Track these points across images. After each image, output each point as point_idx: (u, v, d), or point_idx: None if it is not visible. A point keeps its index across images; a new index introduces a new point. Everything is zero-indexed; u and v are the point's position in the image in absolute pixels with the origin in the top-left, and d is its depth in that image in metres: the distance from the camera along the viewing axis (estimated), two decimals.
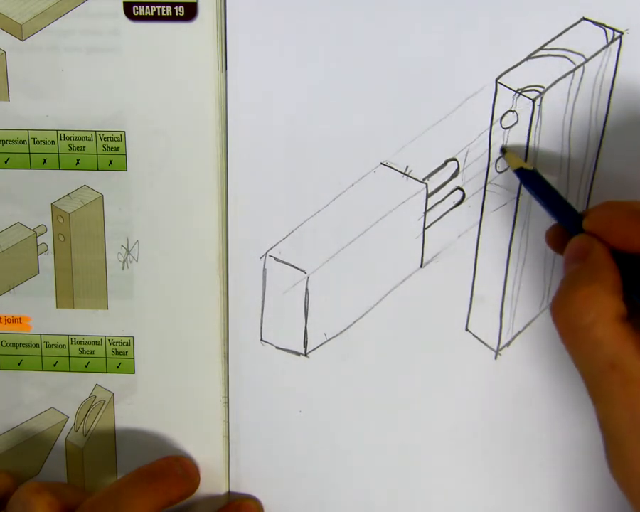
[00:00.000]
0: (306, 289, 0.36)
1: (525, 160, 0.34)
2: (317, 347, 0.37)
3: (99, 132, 0.35)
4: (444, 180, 0.35)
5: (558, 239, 0.32)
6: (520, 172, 0.33)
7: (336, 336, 0.37)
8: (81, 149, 0.35)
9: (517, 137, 0.34)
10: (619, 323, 0.26)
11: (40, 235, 0.37)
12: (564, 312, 0.27)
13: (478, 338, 0.36)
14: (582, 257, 0.28)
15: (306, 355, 0.37)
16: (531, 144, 0.34)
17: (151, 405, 0.38)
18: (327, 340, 0.37)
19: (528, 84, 0.33)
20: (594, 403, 0.27)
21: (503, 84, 0.33)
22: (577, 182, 0.34)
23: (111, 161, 0.35)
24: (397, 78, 0.33)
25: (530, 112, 0.33)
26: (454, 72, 0.33)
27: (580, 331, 0.26)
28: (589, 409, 0.27)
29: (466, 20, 0.33)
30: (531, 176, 0.33)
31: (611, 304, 0.26)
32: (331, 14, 0.33)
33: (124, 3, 0.33)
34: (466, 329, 0.36)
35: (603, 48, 0.33)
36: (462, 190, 0.35)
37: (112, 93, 0.35)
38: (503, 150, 0.34)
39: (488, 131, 0.34)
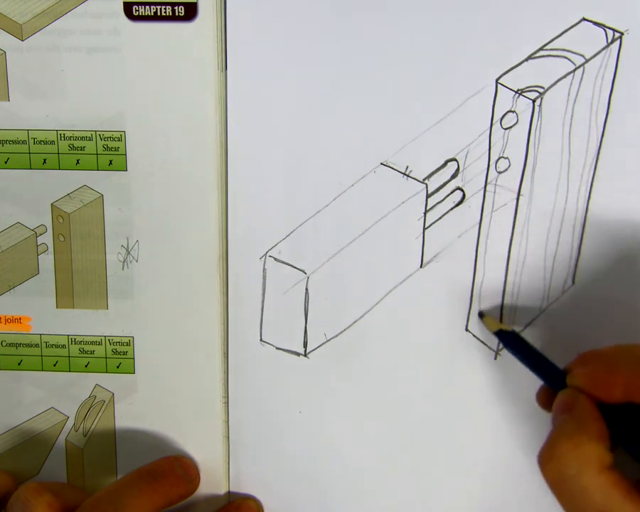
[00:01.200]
0: (306, 289, 0.36)
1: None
2: (317, 347, 0.37)
3: (99, 132, 0.35)
4: (444, 181, 0.35)
5: (547, 397, 0.33)
6: (500, 334, 0.34)
7: (336, 336, 0.37)
8: (81, 149, 0.35)
9: (517, 137, 0.34)
10: (605, 472, 0.26)
11: (40, 235, 0.37)
12: (551, 463, 0.28)
13: (478, 338, 0.36)
14: (568, 410, 0.29)
15: (306, 355, 0.37)
16: (531, 144, 0.34)
17: (151, 405, 0.38)
18: (327, 341, 0.37)
19: (528, 85, 0.33)
20: None
21: (503, 85, 0.33)
22: (578, 182, 0.34)
23: (111, 161, 0.35)
24: (397, 78, 0.33)
25: (531, 113, 0.33)
26: (454, 72, 0.33)
27: (568, 481, 0.27)
28: None
29: (466, 21, 0.33)
30: (511, 337, 0.34)
31: (597, 454, 0.27)
32: (330, 14, 0.33)
33: (124, 3, 0.33)
34: (466, 329, 0.36)
35: (603, 48, 0.33)
36: (462, 190, 0.35)
37: (112, 93, 0.34)
38: (481, 314, 0.35)
39: (489, 131, 0.34)
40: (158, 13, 0.33)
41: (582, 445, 0.27)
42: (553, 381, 0.32)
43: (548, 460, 0.28)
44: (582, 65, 0.33)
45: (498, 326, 0.34)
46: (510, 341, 0.34)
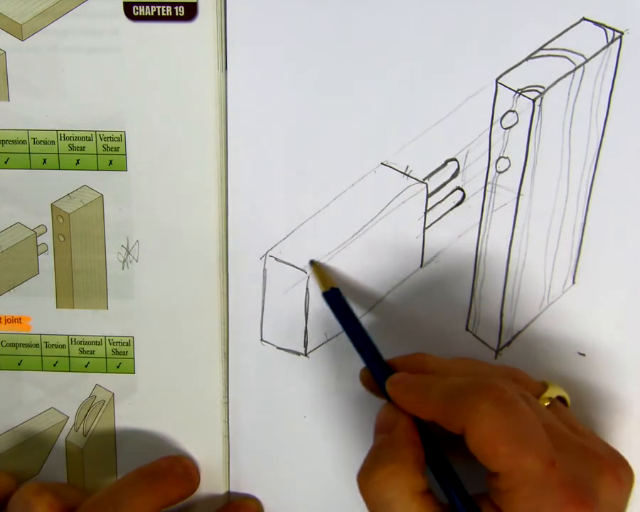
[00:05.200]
0: (306, 289, 0.36)
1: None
2: (317, 347, 0.37)
3: (99, 132, 0.35)
4: (444, 181, 0.35)
5: (370, 379, 0.33)
6: (325, 294, 0.34)
7: (336, 336, 0.37)
8: (81, 149, 0.35)
9: (517, 137, 0.34)
10: (418, 499, 0.27)
11: (40, 235, 0.37)
12: (367, 487, 0.28)
13: (479, 338, 0.36)
14: (388, 430, 0.30)
15: (306, 355, 0.37)
16: (531, 144, 0.34)
17: (151, 405, 0.38)
18: (327, 341, 0.37)
19: (528, 85, 0.33)
20: None
21: (503, 85, 0.33)
22: (578, 182, 0.34)
23: (111, 161, 0.35)
24: (397, 78, 0.33)
25: (531, 112, 0.33)
26: (454, 72, 0.33)
27: (381, 507, 0.28)
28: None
29: (466, 21, 0.33)
30: (335, 299, 0.34)
31: (410, 482, 0.28)
32: (331, 14, 0.33)
33: (124, 3, 0.33)
34: (466, 329, 0.36)
35: (603, 48, 0.33)
36: (462, 190, 0.35)
37: (112, 93, 0.34)
38: (312, 262, 0.35)
39: (489, 131, 0.34)
40: (158, 13, 0.33)
41: (396, 474, 0.28)
42: (377, 369, 0.32)
43: (364, 483, 0.29)
44: (582, 64, 0.33)
45: (327, 285, 0.34)
46: (335, 305, 0.34)
